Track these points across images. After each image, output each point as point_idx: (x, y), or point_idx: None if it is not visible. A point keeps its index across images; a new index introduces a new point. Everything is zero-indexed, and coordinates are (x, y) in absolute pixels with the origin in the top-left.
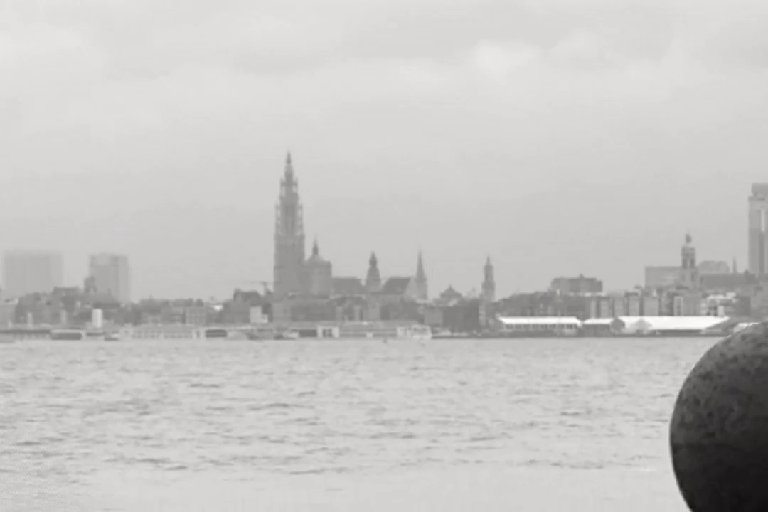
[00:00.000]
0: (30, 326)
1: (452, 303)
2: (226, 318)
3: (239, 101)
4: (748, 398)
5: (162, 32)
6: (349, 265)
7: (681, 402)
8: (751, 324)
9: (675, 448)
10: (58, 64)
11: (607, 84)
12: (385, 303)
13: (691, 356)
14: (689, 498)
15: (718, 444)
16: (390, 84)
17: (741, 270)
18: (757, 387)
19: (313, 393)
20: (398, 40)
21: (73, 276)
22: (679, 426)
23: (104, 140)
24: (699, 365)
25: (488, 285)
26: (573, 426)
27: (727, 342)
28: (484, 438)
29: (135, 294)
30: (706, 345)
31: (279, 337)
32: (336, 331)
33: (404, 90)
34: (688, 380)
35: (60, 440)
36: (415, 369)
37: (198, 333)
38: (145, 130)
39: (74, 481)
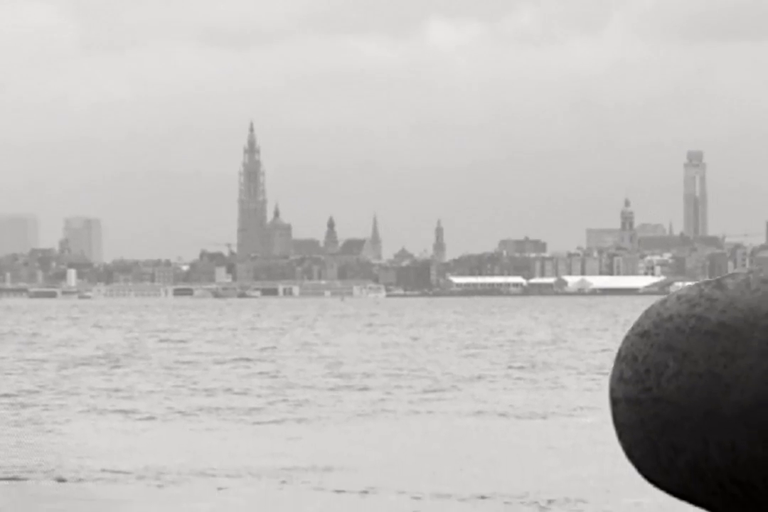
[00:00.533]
0: (8, 285)
1: (405, 263)
2: (193, 277)
3: (205, 73)
4: (682, 355)
5: (132, 9)
6: (308, 228)
7: (620, 358)
8: (686, 283)
9: (614, 402)
10: (35, 40)
11: (550, 57)
12: (342, 264)
13: (629, 313)
14: (627, 448)
15: (655, 399)
16: (346, 57)
17: (677, 232)
18: (691, 345)
19: (274, 348)
20: (354, 16)
21: (49, 238)
22: (618, 381)
23: (78, 110)
24: (637, 324)
25: (439, 246)
26: (518, 379)
27: (663, 302)
28: (434, 391)
29: (107, 255)
30: (643, 303)
31: (242, 295)
32: (296, 290)
33: (360, 63)
34: (627, 338)
35: (36, 392)
36: (370, 325)
37: (166, 292)
38: (116, 101)
39: (50, 431)
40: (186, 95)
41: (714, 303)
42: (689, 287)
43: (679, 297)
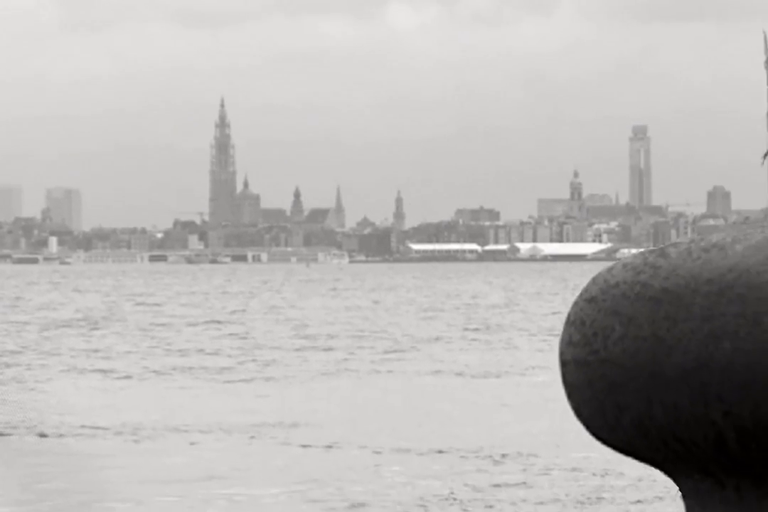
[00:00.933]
0: None
1: (367, 231)
2: (167, 244)
3: (178, 51)
4: (628, 319)
5: None
6: (276, 198)
7: (569, 323)
8: (631, 250)
9: (564, 364)
10: (17, 20)
11: (504, 37)
12: (307, 232)
13: (578, 278)
14: (576, 407)
15: (602, 360)
16: (311, 37)
17: (623, 202)
18: (636, 310)
19: (243, 311)
20: None
21: (32, 208)
22: (567, 344)
23: (58, 87)
24: (585, 290)
25: (399, 215)
26: (474, 340)
27: (609, 270)
28: (395, 351)
29: (86, 223)
30: (591, 268)
31: (214, 261)
32: (264, 256)
33: (325, 42)
34: (575, 303)
35: (19, 352)
36: (334, 289)
37: (142, 258)
38: (94, 78)
39: (32, 389)
40: (160, 72)
41: (657, 271)
42: (634, 255)
43: (624, 265)
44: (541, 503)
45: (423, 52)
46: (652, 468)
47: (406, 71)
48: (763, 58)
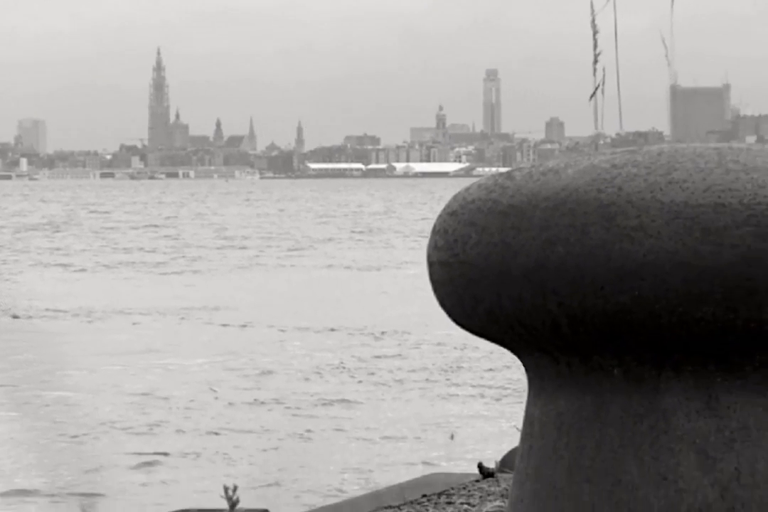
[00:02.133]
0: None
1: (274, 153)
2: (114, 164)
3: (124, 11)
4: (482, 229)
5: None
6: (201, 127)
7: (434, 232)
8: (485, 168)
9: (430, 264)
10: None
11: None
12: (226, 154)
13: (442, 191)
14: (440, 300)
15: (461, 262)
16: None
17: (478, 130)
18: (488, 221)
19: (175, 217)
20: None
21: (6, 135)
22: (433, 249)
23: (28, 39)
24: (447, 206)
25: (299, 140)
26: (359, 240)
27: (467, 189)
28: (296, 249)
29: (50, 147)
30: (453, 183)
31: (151, 178)
32: (192, 174)
33: (242, 1)
34: (440, 216)
35: None
36: (247, 200)
37: (94, 175)
38: (57, 32)
39: (7, 280)
40: (110, 27)
41: (505, 190)
42: (486, 178)
43: (479, 186)
44: (413, 371)
45: (320, 10)
46: (502, 349)
47: (306, 25)
48: (590, 19)
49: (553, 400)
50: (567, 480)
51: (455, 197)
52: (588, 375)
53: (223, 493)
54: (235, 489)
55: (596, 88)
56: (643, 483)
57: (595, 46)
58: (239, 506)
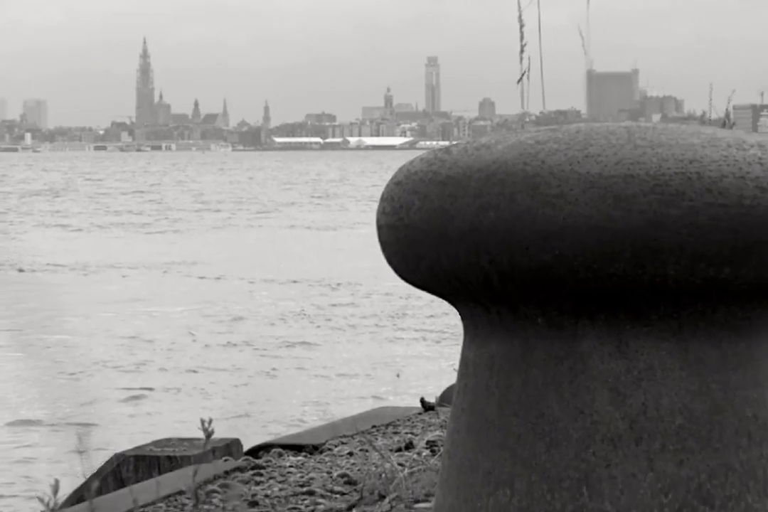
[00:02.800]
0: None
1: (244, 129)
2: (106, 138)
3: (114, 4)
4: (423, 197)
5: None
6: (181, 106)
7: (383, 199)
8: (427, 142)
9: (379, 227)
10: None
11: None
12: (203, 130)
13: (390, 161)
14: (388, 258)
15: (406, 225)
16: None
17: (420, 109)
18: (429, 190)
19: (159, 184)
20: None
21: (13, 113)
22: (381, 214)
23: (29, 29)
24: (394, 176)
25: (266, 118)
26: (318, 204)
27: (411, 162)
28: (264, 212)
29: (51, 123)
30: (399, 155)
31: (138, 150)
32: (173, 146)
33: None
34: (387, 186)
35: (4, 213)
36: (221, 169)
37: (89, 148)
38: (55, 23)
39: (13, 238)
40: (102, 19)
41: (444, 163)
42: (428, 152)
43: (421, 159)
44: (364, 317)
45: (286, 5)
46: (441, 300)
47: (274, 16)
48: (517, 15)
49: (485, 344)
50: (497, 413)
51: (400, 169)
52: (515, 323)
53: (200, 425)
54: (210, 421)
55: (522, 74)
56: (563, 416)
57: (522, 37)
58: (214, 436)
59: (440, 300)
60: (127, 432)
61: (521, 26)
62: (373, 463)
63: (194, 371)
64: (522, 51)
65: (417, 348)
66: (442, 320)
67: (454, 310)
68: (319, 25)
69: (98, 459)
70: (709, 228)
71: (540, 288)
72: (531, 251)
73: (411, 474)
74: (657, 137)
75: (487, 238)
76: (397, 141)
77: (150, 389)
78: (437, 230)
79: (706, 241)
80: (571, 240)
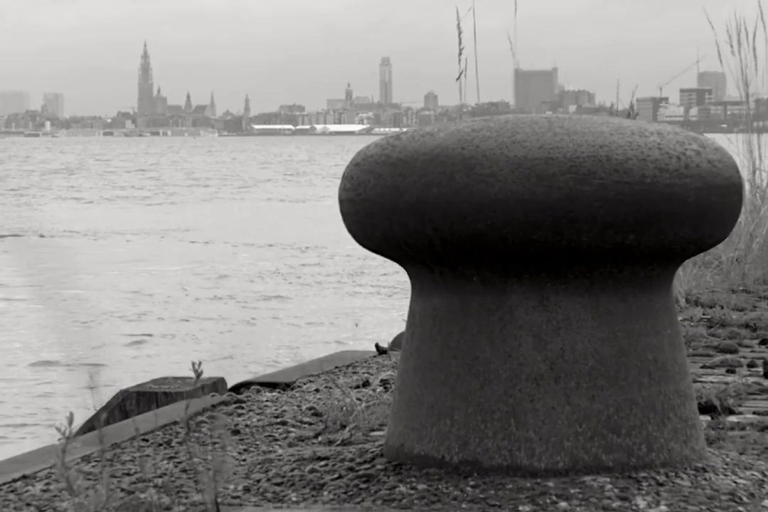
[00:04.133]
0: (12, 129)
1: (228, 118)
2: (113, 126)
3: (119, 13)
4: (378, 175)
5: None
6: (176, 99)
7: (344, 178)
8: (382, 129)
9: (341, 202)
10: None
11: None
12: (194, 118)
13: (350, 145)
14: (348, 226)
15: (363, 199)
16: (196, 2)
17: (375, 101)
18: (383, 170)
19: (158, 164)
20: None
21: (35, 104)
22: (342, 190)
23: (48, 34)
24: (353, 159)
25: (247, 108)
26: (290, 181)
27: (367, 147)
28: (245, 187)
29: (67, 113)
30: (357, 139)
31: (140, 136)
32: (169, 132)
33: (204, 5)
34: (348, 167)
35: (27, 188)
36: (209, 152)
37: (99, 134)
38: (69, 28)
39: (35, 209)
40: (109, 25)
41: (395, 148)
42: (382, 139)
43: (376, 145)
44: (329, 275)
45: (262, 11)
46: (392, 261)
47: (253, 22)
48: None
49: (429, 299)
50: (439, 356)
51: (358, 153)
52: (455, 281)
53: (191, 367)
54: (200, 363)
55: (460, 74)
56: (494, 358)
57: (460, 42)
58: (202, 376)
59: (392, 262)
60: (131, 371)
61: (459, 33)
62: (336, 398)
63: (186, 320)
64: (460, 53)
65: (372, 301)
66: (393, 277)
67: (404, 270)
68: (291, 28)
69: (106, 394)
70: (616, 202)
71: (475, 251)
72: (468, 221)
73: (367, 407)
74: (573, 126)
75: (431, 210)
76: (356, 128)
77: (149, 335)
78: (389, 203)
79: (614, 212)
80: (501, 212)
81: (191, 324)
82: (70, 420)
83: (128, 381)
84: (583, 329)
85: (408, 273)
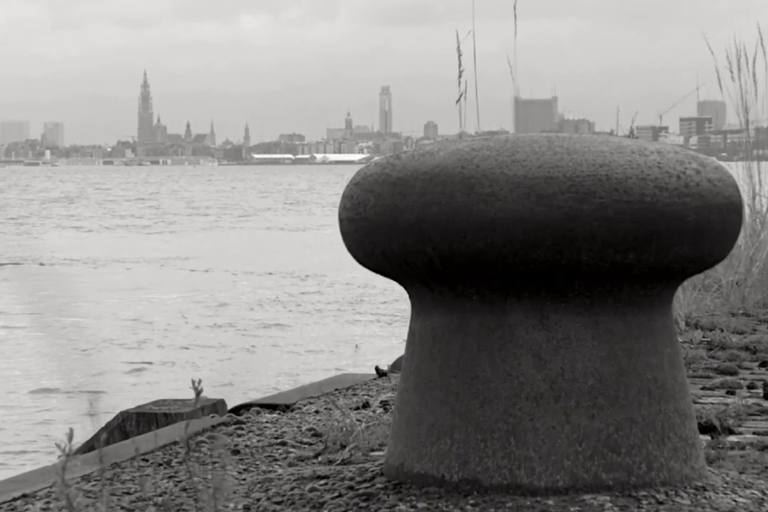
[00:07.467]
0: (12, 158)
1: (228, 147)
2: (113, 154)
3: (119, 43)
4: (378, 195)
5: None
6: (176, 128)
7: (344, 197)
8: (381, 157)
9: (341, 221)
10: (23, 23)
11: (306, 33)
12: (194, 147)
13: (350, 174)
14: (348, 246)
15: (363, 218)
16: (196, 35)
17: (375, 130)
18: (383, 189)
19: (158, 193)
20: (198, 6)
21: (35, 133)
22: (343, 209)
23: (50, 64)
24: (353, 178)
25: (247, 137)
26: (290, 210)
27: (367, 166)
28: (245, 216)
29: (67, 142)
30: (357, 168)
31: (140, 164)
32: (169, 161)
33: (205, 38)
34: (348, 186)
35: (27, 216)
36: (209, 181)
37: (99, 162)
38: (71, 58)
39: (35, 238)
40: (109, 56)
41: (395, 167)
42: (382, 158)
43: (376, 164)
44: (328, 303)
45: (261, 40)
46: (392, 282)
47: (252, 52)
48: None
49: (429, 317)
50: (439, 375)
51: (358, 172)
52: (454, 300)
53: (191, 385)
54: (200, 381)
55: (460, 96)
56: (494, 377)
57: (460, 65)
58: (202, 396)
59: (392, 288)
60: (131, 398)
61: (459, 55)
62: (336, 419)
63: (186, 348)
64: (460, 75)
65: (372, 329)
66: (393, 306)
67: (404, 297)
68: (289, 58)
69: (107, 421)
70: (616, 221)
71: (475, 270)
72: (467, 239)
73: (367, 427)
74: (573, 145)
75: (431, 229)
76: (356, 157)
77: (149, 362)
78: (389, 222)
79: (614, 231)
80: (500, 230)
81: (191, 352)
82: (70, 436)
83: (128, 408)
84: (583, 348)
85: (407, 293)
